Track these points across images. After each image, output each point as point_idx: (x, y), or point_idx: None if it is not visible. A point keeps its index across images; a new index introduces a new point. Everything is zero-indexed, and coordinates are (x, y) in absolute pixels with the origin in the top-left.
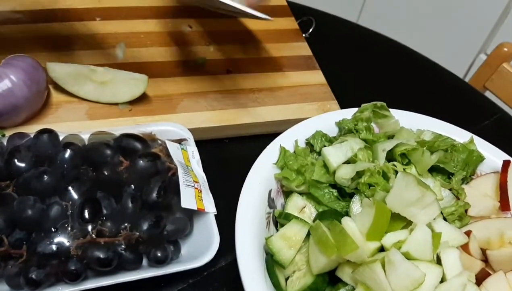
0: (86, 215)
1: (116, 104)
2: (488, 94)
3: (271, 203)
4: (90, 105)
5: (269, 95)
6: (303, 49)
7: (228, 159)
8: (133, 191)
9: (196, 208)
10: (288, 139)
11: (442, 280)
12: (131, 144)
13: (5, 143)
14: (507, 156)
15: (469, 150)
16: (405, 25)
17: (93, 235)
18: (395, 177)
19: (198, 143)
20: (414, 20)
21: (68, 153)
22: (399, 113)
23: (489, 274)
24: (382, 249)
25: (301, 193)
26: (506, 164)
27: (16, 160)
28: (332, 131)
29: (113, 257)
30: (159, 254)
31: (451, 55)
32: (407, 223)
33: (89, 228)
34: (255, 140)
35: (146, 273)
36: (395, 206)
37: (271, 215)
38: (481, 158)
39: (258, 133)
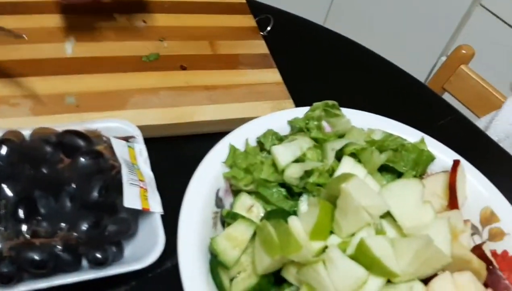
0: (20, 214)
1: (63, 100)
2: (446, 96)
3: (218, 202)
4: (34, 100)
5: (224, 93)
6: (260, 47)
7: (180, 157)
8: (73, 190)
9: (140, 208)
10: (239, 138)
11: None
12: (73, 141)
13: None
14: (458, 155)
15: (420, 150)
16: (368, 28)
17: (28, 236)
18: None
19: (149, 141)
20: (377, 23)
21: (4, 149)
22: (351, 113)
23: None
24: None
25: (249, 192)
26: (455, 163)
27: None
28: (285, 130)
29: (48, 259)
30: (98, 255)
31: (413, 58)
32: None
33: (24, 228)
34: (209, 139)
35: (84, 275)
36: None
37: (219, 214)
38: (431, 158)
39: (213, 131)
